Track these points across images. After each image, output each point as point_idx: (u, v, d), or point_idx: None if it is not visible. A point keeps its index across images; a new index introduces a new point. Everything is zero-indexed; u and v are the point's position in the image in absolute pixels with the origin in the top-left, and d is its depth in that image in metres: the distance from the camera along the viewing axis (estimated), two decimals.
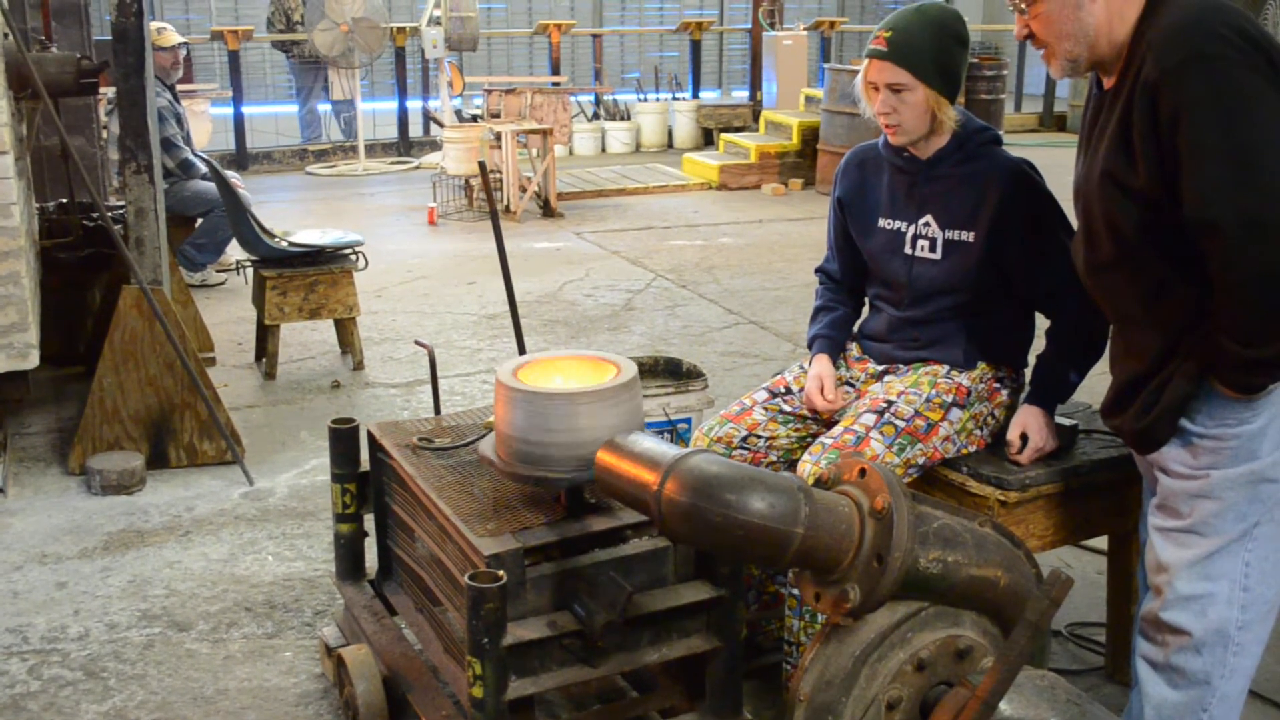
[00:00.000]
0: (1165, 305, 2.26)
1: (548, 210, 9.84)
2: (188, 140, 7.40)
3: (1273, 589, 2.31)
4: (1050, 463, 2.87)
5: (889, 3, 19.50)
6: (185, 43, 7.88)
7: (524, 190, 9.77)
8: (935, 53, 2.82)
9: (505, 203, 9.67)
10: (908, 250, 2.99)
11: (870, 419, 2.83)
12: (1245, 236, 2.03)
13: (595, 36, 15.34)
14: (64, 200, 5.70)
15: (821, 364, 3.09)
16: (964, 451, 2.92)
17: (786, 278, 7.71)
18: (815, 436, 3.07)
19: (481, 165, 3.97)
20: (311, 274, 5.72)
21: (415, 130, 13.35)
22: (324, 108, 13.22)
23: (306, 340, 6.37)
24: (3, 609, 3.61)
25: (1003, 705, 1.92)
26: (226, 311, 6.92)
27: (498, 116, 10.07)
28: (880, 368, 3.09)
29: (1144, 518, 2.53)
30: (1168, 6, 2.19)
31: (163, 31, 7.42)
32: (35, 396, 5.28)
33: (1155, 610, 2.35)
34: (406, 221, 9.59)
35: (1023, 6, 2.33)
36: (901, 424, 2.82)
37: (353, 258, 5.86)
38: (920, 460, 2.84)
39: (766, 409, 3.10)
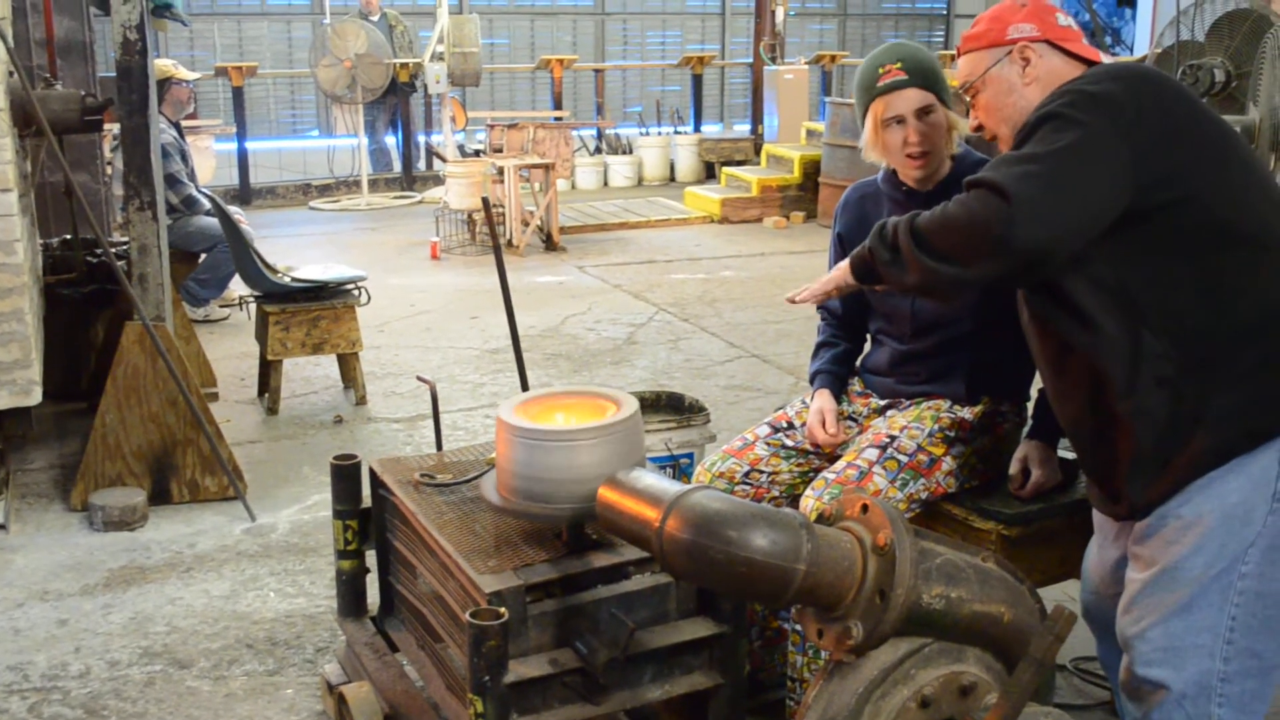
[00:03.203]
0: (1071, 374, 2.33)
1: (550, 244, 9.87)
2: (192, 176, 7.44)
3: (1266, 645, 2.23)
4: (1053, 497, 2.86)
5: (890, 38, 19.62)
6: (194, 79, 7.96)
7: (526, 224, 9.80)
8: (940, 72, 2.88)
9: (508, 237, 9.70)
10: None
11: (873, 454, 2.83)
12: (988, 193, 2.13)
13: (597, 71, 15.42)
14: (68, 236, 5.72)
15: (823, 398, 3.09)
16: (967, 486, 2.91)
17: (789, 311, 7.70)
18: (818, 471, 3.06)
19: (484, 200, 3.99)
20: (314, 309, 5.73)
21: (418, 165, 13.41)
22: (389, 140, 13.39)
23: (309, 375, 6.38)
24: (4, 646, 3.60)
25: None
26: (229, 347, 6.93)
27: (500, 151, 10.11)
28: (883, 402, 3.09)
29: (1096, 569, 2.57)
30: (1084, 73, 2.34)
31: (178, 66, 7.51)
32: (38, 432, 5.28)
33: (1130, 666, 2.30)
34: (409, 256, 9.62)
35: (968, 98, 2.46)
36: (904, 459, 2.82)
37: (355, 293, 5.87)
38: (923, 495, 2.84)
39: (769, 444, 3.09)
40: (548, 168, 9.77)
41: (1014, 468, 2.88)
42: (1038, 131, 2.18)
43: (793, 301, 2.69)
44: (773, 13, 13.57)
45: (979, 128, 2.48)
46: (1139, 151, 2.12)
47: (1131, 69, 2.26)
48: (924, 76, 2.86)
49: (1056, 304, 2.28)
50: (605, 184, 13.68)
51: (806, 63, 14.01)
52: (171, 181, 6.98)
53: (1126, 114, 2.14)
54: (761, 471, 3.07)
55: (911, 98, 2.87)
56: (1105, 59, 2.39)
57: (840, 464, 2.85)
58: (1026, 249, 2.13)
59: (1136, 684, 2.30)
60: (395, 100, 12.77)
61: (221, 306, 7.62)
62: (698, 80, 14.99)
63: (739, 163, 13.14)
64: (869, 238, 2.40)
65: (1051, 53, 2.38)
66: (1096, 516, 2.53)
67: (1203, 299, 2.18)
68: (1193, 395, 2.18)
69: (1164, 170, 2.14)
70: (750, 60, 14.96)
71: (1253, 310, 2.18)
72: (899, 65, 2.87)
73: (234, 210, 6.54)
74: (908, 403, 3.03)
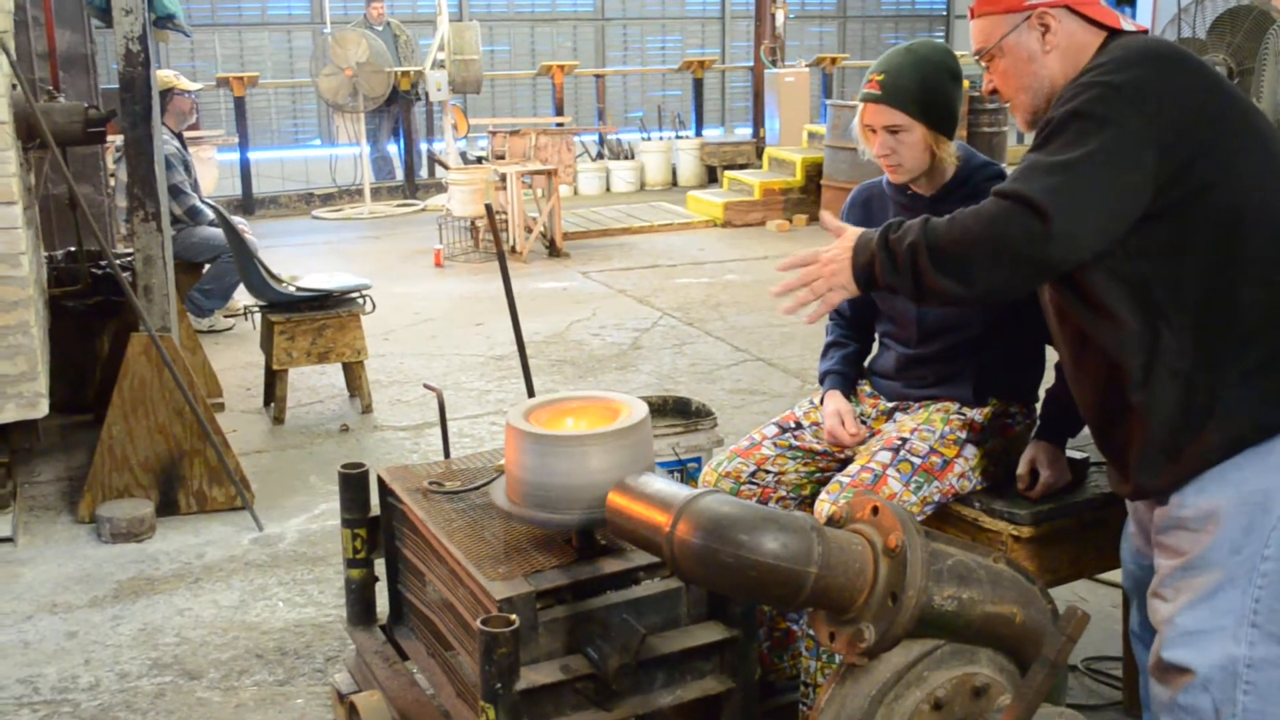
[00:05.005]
0: (1088, 361, 2.32)
1: (553, 250, 9.87)
2: (195, 187, 7.45)
3: None
4: (1062, 497, 2.85)
5: (891, 39, 19.62)
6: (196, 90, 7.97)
7: (530, 231, 9.80)
8: (928, 91, 2.83)
9: (511, 244, 9.70)
10: None
11: (886, 456, 2.82)
12: (1012, 205, 2.13)
13: (598, 77, 15.44)
14: (72, 249, 5.72)
15: (836, 399, 3.08)
16: (978, 488, 2.90)
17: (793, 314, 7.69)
18: (825, 472, 3.06)
19: (487, 207, 3.99)
20: (319, 318, 5.73)
21: (420, 173, 13.42)
22: (391, 148, 13.41)
23: (315, 384, 6.38)
24: (13, 659, 3.60)
25: None
26: (234, 357, 6.93)
27: (502, 158, 10.11)
28: (890, 404, 3.09)
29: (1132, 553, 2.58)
30: (1104, 55, 2.28)
31: (180, 77, 7.54)
32: (45, 445, 5.29)
33: (1158, 650, 2.31)
34: (413, 264, 9.62)
35: (984, 63, 2.42)
36: (917, 461, 2.81)
37: (360, 301, 5.88)
38: (936, 497, 2.83)
39: (776, 444, 3.09)
40: (550, 174, 9.78)
41: (1022, 468, 2.87)
42: (1064, 132, 2.15)
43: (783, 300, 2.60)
44: (773, 16, 13.59)
45: (994, 91, 2.43)
46: (1164, 141, 2.11)
47: (1155, 51, 2.22)
48: (897, 96, 2.82)
49: (1075, 294, 2.27)
50: (608, 189, 13.68)
51: (807, 65, 14.03)
52: (175, 192, 6.99)
53: (1150, 105, 2.12)
54: (768, 471, 3.06)
55: (879, 114, 2.86)
56: (1125, 24, 2.35)
57: (854, 467, 2.84)
58: (1061, 264, 2.15)
59: (1164, 667, 2.31)
60: (397, 108, 12.79)
61: (226, 316, 7.63)
62: (698, 84, 15.01)
63: (741, 166, 13.15)
64: (877, 248, 2.31)
65: (1070, 18, 2.32)
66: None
67: (1219, 293, 2.17)
68: (1205, 388, 2.18)
69: (1186, 156, 2.13)
70: (751, 64, 14.98)
71: (1266, 304, 2.18)
72: (880, 78, 2.86)
73: (238, 220, 6.55)
74: (916, 405, 3.02)
